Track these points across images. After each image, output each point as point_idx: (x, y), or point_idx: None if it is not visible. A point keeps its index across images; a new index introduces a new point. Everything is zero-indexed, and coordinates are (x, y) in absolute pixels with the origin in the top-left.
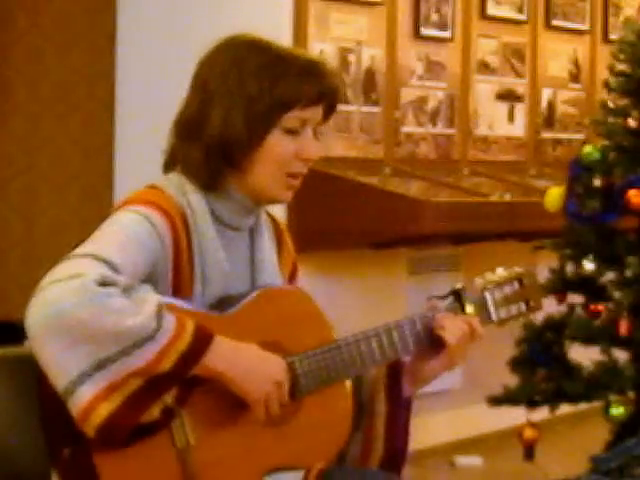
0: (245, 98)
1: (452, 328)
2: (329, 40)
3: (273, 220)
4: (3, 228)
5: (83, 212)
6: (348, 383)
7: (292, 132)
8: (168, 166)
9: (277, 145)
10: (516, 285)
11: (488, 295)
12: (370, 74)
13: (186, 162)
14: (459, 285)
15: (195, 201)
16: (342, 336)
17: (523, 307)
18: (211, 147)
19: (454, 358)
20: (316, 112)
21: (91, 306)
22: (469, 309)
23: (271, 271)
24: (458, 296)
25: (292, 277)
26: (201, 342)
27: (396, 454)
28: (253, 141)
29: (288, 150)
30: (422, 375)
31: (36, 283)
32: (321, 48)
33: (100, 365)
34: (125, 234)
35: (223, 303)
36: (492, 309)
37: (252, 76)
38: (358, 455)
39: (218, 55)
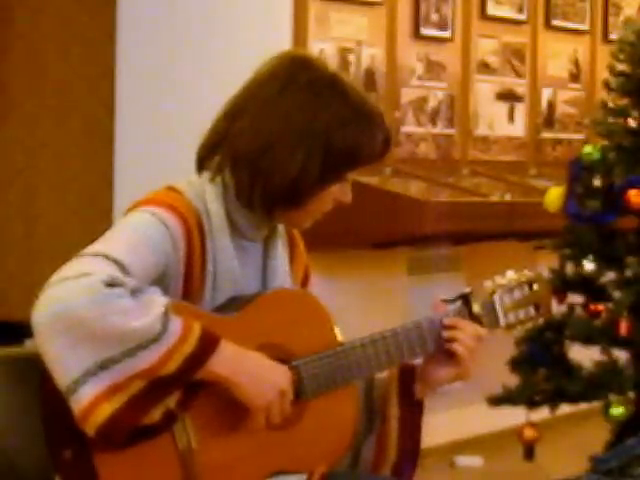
0: (328, 149)
1: (465, 340)
2: (329, 40)
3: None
4: (3, 228)
5: (83, 212)
6: (355, 387)
7: (345, 180)
8: (201, 167)
9: (332, 192)
10: (526, 289)
11: (497, 299)
12: (370, 74)
13: (242, 193)
14: (468, 289)
15: (214, 209)
16: (345, 337)
17: (532, 312)
18: (279, 189)
19: (468, 370)
20: None
21: (97, 306)
22: (477, 313)
23: (283, 278)
24: (466, 300)
25: (304, 284)
26: (207, 346)
27: (407, 455)
28: (321, 189)
29: (334, 195)
30: (432, 380)
31: (36, 283)
32: (321, 48)
33: (104, 365)
34: (138, 235)
35: (230, 304)
36: (500, 314)
37: (338, 129)
38: (371, 459)
39: (298, 88)
